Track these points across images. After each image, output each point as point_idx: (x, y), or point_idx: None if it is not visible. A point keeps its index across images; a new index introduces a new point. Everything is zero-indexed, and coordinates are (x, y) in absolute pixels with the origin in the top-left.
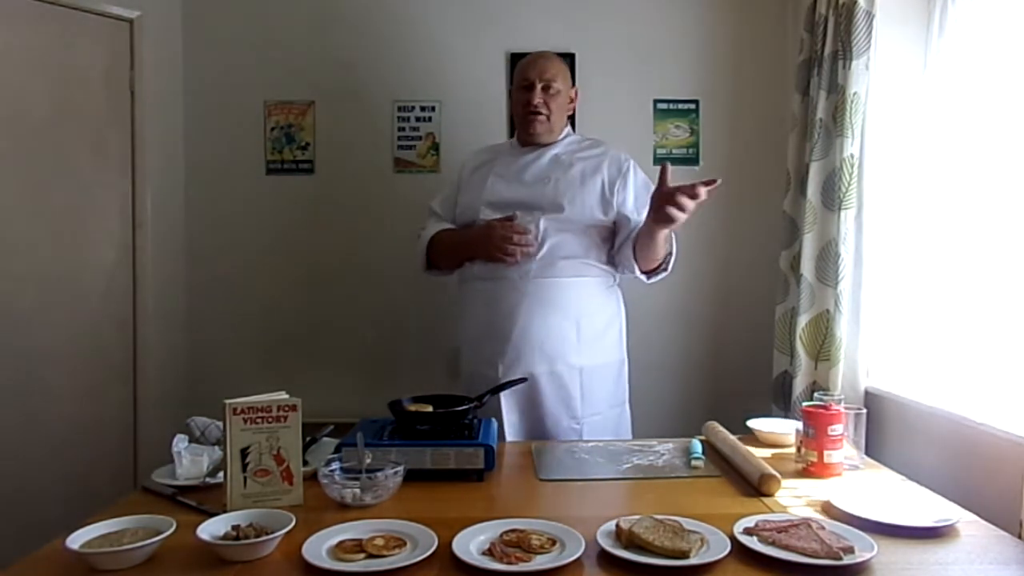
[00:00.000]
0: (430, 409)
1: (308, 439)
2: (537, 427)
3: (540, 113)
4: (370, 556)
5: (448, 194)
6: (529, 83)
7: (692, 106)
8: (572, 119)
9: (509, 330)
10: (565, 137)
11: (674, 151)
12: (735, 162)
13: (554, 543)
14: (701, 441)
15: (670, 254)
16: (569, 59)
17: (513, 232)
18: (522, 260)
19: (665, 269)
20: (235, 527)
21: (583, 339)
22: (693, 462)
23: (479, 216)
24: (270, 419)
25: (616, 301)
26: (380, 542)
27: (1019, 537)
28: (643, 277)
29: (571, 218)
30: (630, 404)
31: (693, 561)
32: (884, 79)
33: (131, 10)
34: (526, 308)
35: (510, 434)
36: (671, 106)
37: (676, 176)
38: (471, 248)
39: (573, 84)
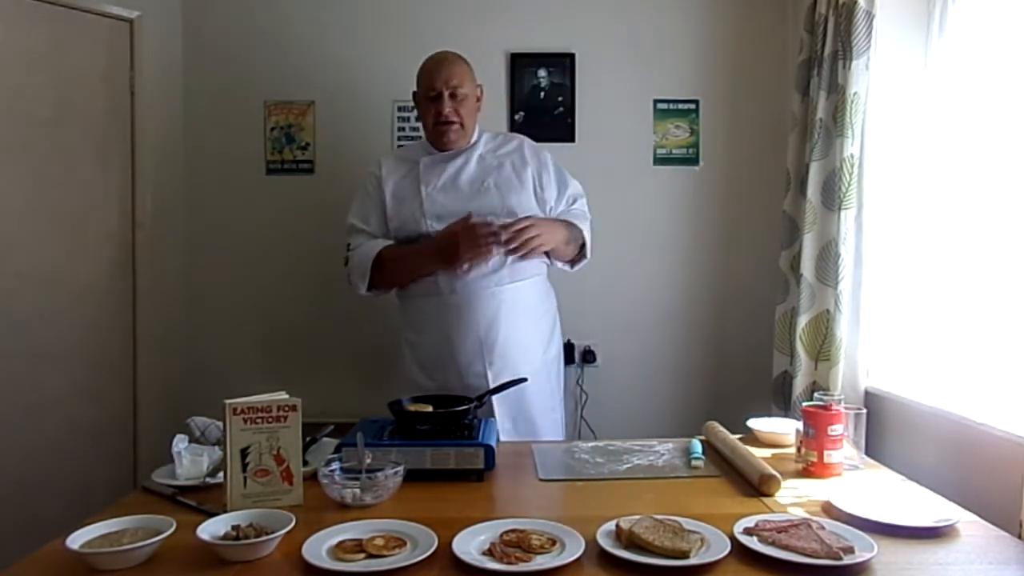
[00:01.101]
0: (430, 409)
1: (308, 439)
2: (529, 425)
3: (452, 122)
4: (370, 556)
5: (369, 208)
6: (436, 92)
7: (692, 106)
8: (572, 123)
9: (494, 339)
10: (480, 137)
11: (674, 151)
12: (735, 162)
13: (554, 543)
14: (701, 441)
15: (583, 245)
16: (569, 59)
17: (482, 229)
18: (494, 265)
19: (585, 257)
20: (235, 527)
21: (545, 334)
22: (693, 462)
23: (424, 230)
24: (270, 419)
25: (553, 293)
26: (380, 542)
27: (1019, 537)
28: (566, 267)
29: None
30: (628, 402)
31: (693, 561)
32: (884, 79)
33: (131, 10)
34: (506, 314)
35: (505, 439)
36: (671, 106)
37: (676, 176)
38: (434, 259)
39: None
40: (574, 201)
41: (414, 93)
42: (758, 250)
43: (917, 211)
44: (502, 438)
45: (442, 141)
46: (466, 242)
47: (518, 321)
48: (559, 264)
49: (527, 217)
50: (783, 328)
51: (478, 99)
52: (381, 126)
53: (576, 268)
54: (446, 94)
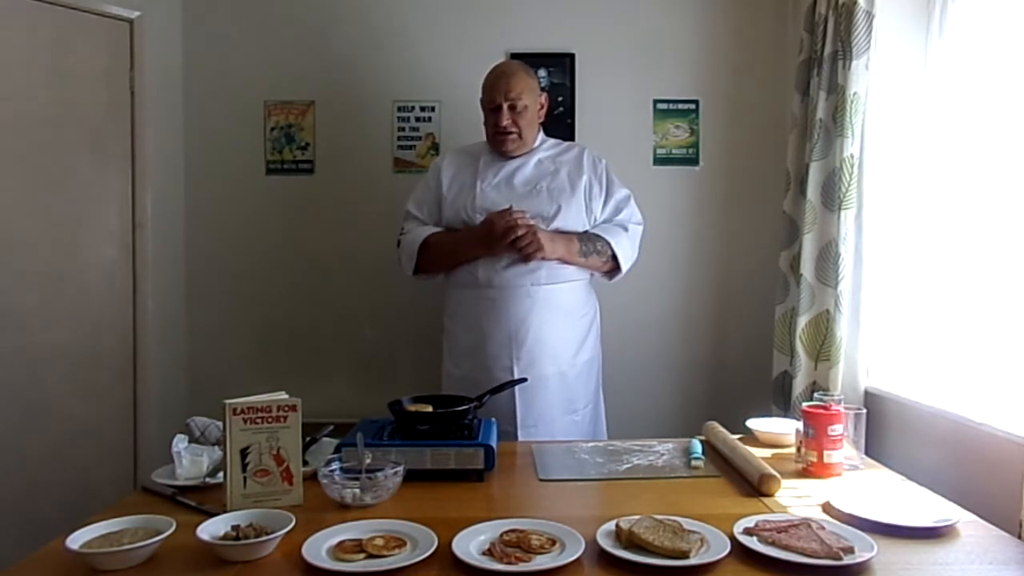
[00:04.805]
0: (430, 409)
1: (308, 439)
2: (548, 425)
3: (510, 133)
4: (370, 556)
5: (427, 197)
6: (495, 105)
7: (692, 106)
8: (572, 123)
9: (524, 336)
10: (542, 143)
11: (674, 151)
12: (735, 162)
13: (554, 543)
14: (701, 441)
15: (613, 256)
16: (569, 59)
17: (513, 220)
18: (532, 264)
19: (619, 270)
20: (235, 527)
21: (578, 338)
22: (693, 462)
23: (472, 223)
24: (270, 419)
25: (595, 299)
26: (380, 542)
27: (1019, 537)
28: (604, 278)
29: (564, 226)
30: (627, 402)
31: (693, 561)
32: (884, 79)
33: (131, 10)
34: (538, 314)
35: (525, 435)
36: (671, 106)
37: (676, 176)
38: (475, 246)
39: (544, 90)
40: (619, 210)
41: (480, 100)
42: (758, 250)
43: (917, 211)
44: (520, 435)
45: (500, 150)
46: (499, 230)
47: (550, 321)
48: (597, 275)
49: (530, 225)
50: (783, 328)
51: (541, 107)
52: (381, 126)
53: (614, 280)
54: (505, 106)
